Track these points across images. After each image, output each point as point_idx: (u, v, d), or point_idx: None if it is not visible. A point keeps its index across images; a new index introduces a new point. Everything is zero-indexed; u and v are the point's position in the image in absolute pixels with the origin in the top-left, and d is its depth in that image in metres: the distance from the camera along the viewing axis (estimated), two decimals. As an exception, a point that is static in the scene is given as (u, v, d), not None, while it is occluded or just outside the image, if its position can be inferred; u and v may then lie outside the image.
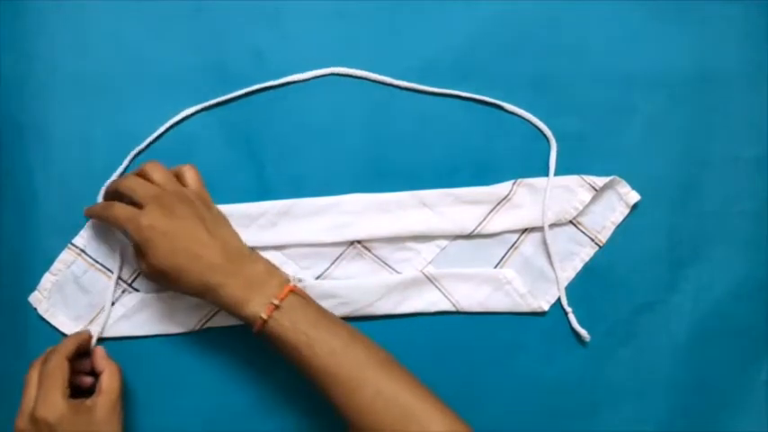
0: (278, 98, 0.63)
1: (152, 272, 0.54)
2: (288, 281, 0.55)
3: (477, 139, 0.64)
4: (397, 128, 0.63)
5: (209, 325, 0.61)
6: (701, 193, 0.65)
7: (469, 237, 0.63)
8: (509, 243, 0.63)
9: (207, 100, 0.62)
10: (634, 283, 0.64)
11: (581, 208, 0.63)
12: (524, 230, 0.64)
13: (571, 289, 0.63)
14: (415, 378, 0.54)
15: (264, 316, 0.52)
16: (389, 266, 0.63)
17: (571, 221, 0.64)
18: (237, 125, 0.62)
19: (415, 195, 0.62)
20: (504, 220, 0.63)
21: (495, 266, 0.63)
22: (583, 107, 0.64)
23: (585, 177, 0.63)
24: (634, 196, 0.63)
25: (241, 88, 0.62)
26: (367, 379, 0.52)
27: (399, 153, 0.63)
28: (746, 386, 0.64)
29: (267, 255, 0.61)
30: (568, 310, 0.63)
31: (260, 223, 0.61)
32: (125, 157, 0.61)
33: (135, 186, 0.55)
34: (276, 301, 0.53)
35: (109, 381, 0.55)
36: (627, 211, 0.64)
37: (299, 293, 0.55)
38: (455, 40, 0.64)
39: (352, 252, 0.63)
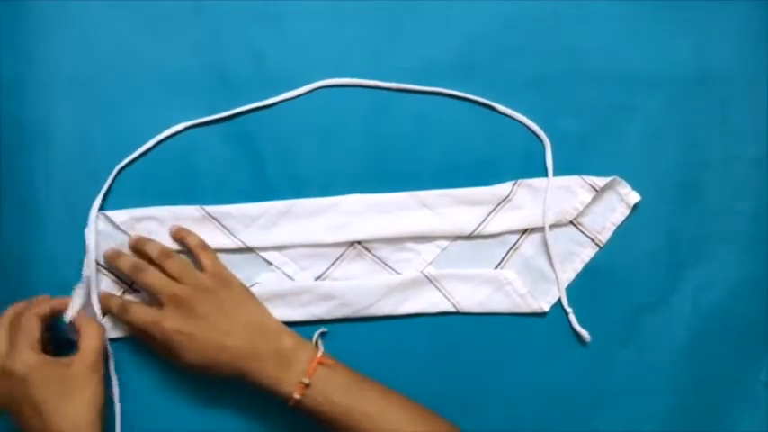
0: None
1: (183, 368, 0.56)
2: (315, 352, 0.56)
3: (476, 140, 0.64)
4: (396, 129, 0.63)
5: None
6: (701, 194, 0.65)
7: (470, 237, 0.63)
8: (509, 244, 0.63)
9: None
10: (634, 284, 0.64)
11: (581, 209, 0.63)
12: (525, 231, 0.64)
13: (571, 289, 0.64)
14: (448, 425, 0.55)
15: (297, 396, 0.54)
16: (389, 267, 0.63)
17: (571, 222, 0.64)
18: (237, 126, 0.62)
19: (416, 196, 0.62)
20: (504, 220, 0.63)
21: (496, 267, 0.63)
22: (583, 107, 0.64)
23: (586, 178, 0.63)
24: (634, 197, 0.63)
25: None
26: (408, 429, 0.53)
27: (399, 154, 0.63)
28: (746, 386, 0.64)
29: (267, 255, 0.62)
30: (569, 310, 0.63)
31: (260, 223, 0.61)
32: (126, 157, 0.61)
33: (154, 283, 0.56)
34: (306, 380, 0.54)
35: (88, 339, 0.55)
36: (627, 211, 0.64)
37: (327, 364, 0.55)
38: (455, 41, 0.64)
39: (352, 253, 0.63)
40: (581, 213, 0.63)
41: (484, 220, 0.63)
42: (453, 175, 0.63)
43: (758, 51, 0.66)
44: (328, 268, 0.62)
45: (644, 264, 0.64)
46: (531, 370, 0.63)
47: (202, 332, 0.55)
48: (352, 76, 0.63)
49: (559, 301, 0.63)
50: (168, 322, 0.55)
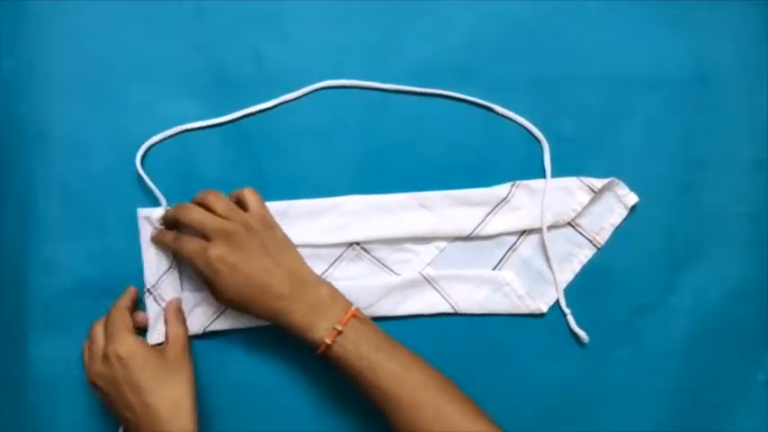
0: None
1: (221, 301, 0.58)
2: (350, 305, 0.57)
3: (474, 141, 0.64)
4: (394, 130, 0.63)
5: (211, 328, 0.61)
6: (699, 195, 0.65)
7: (468, 238, 0.63)
8: (508, 245, 0.64)
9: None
10: (633, 285, 0.64)
11: (579, 210, 0.63)
12: (523, 232, 0.64)
13: (570, 290, 0.64)
14: (471, 402, 0.55)
15: (328, 341, 0.54)
16: (388, 268, 0.63)
17: (569, 223, 0.64)
18: (236, 127, 0.63)
19: (414, 197, 0.62)
20: (502, 221, 0.63)
21: (494, 268, 0.63)
22: (581, 109, 0.65)
23: (584, 179, 0.63)
24: (632, 198, 0.63)
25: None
26: (427, 400, 0.54)
27: (397, 155, 0.63)
28: (745, 386, 0.64)
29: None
30: (567, 311, 0.63)
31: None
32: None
33: (201, 219, 0.57)
34: (339, 327, 0.55)
35: (175, 328, 0.58)
36: (625, 212, 0.64)
37: (360, 318, 0.56)
38: (454, 43, 0.64)
39: (351, 254, 0.63)
40: (579, 214, 0.63)
41: (482, 221, 0.63)
42: (452, 176, 0.63)
43: (757, 53, 0.66)
44: (327, 269, 0.62)
45: (642, 265, 0.64)
46: (529, 371, 0.63)
47: (245, 266, 0.56)
48: (351, 78, 0.63)
49: (558, 301, 0.63)
50: (213, 251, 0.56)
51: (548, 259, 0.63)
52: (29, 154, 0.61)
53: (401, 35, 0.64)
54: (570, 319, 0.63)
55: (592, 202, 0.63)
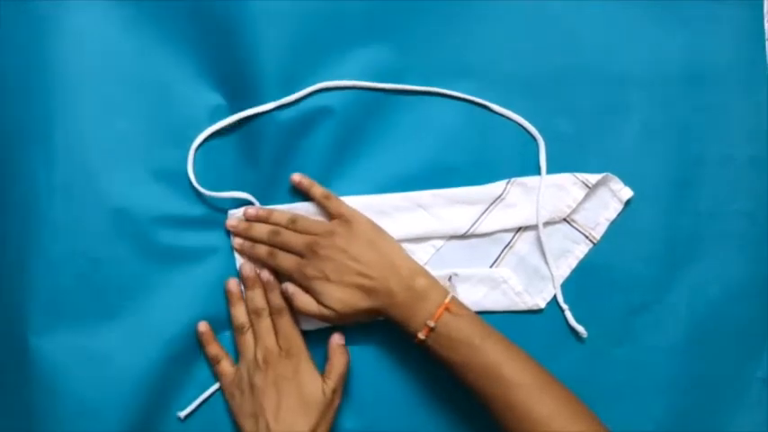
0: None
1: (329, 309, 0.58)
2: (445, 296, 0.57)
3: (470, 140, 0.64)
4: (390, 129, 0.64)
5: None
6: (695, 193, 0.65)
7: (464, 237, 0.63)
8: (504, 242, 0.64)
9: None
10: (630, 283, 0.64)
11: (574, 206, 0.63)
12: (519, 229, 0.64)
13: (567, 287, 0.64)
14: (568, 397, 0.55)
15: (422, 336, 0.55)
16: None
17: (565, 219, 0.64)
18: (235, 129, 0.63)
19: (409, 197, 0.63)
20: (498, 219, 0.63)
21: (491, 266, 0.64)
22: (577, 107, 0.65)
23: (578, 175, 0.63)
24: (627, 192, 0.63)
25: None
26: (517, 401, 0.53)
27: (392, 155, 0.64)
28: (743, 384, 0.64)
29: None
30: (564, 307, 0.63)
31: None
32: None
33: (289, 241, 0.60)
34: (431, 324, 0.55)
35: (338, 366, 0.60)
36: (620, 207, 0.64)
37: (454, 311, 0.56)
38: (451, 42, 0.64)
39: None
40: (574, 210, 0.63)
41: (478, 220, 0.63)
42: (448, 175, 0.64)
43: (752, 51, 0.66)
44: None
45: (639, 262, 0.64)
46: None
47: (336, 275, 0.57)
48: (349, 78, 0.63)
49: (555, 298, 0.63)
50: (308, 269, 0.58)
51: (544, 256, 0.63)
52: (31, 155, 0.61)
53: (398, 34, 0.64)
54: (568, 314, 0.63)
55: (587, 197, 0.63)
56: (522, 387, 0.54)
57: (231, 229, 0.62)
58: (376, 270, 0.57)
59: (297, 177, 0.62)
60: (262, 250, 0.61)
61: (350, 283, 0.57)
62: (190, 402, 0.62)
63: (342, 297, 0.57)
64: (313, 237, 0.59)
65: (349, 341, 0.62)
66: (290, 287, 0.59)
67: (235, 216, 0.63)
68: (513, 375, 0.54)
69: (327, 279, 0.57)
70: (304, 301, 0.58)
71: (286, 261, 0.59)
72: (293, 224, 0.60)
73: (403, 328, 0.57)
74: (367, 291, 0.57)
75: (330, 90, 0.63)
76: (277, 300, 0.61)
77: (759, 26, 0.66)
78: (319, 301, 0.58)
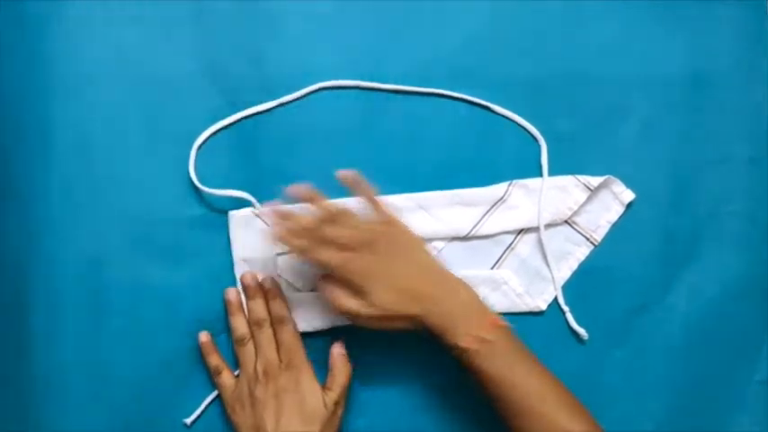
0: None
1: (370, 311, 0.56)
2: (489, 311, 0.56)
3: (472, 141, 0.64)
4: (392, 130, 0.64)
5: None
6: (694, 194, 0.65)
7: (465, 238, 0.63)
8: (505, 244, 0.64)
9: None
10: (630, 284, 0.64)
11: (576, 208, 0.63)
12: (520, 231, 0.64)
13: (568, 289, 0.64)
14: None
15: (464, 345, 0.54)
16: (388, 270, 0.63)
17: (566, 221, 0.64)
18: (235, 128, 0.63)
19: (411, 198, 0.63)
20: (499, 221, 0.63)
21: (492, 267, 0.64)
22: (578, 108, 0.65)
23: (580, 177, 0.63)
24: (629, 195, 0.64)
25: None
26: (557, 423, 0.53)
27: (395, 155, 0.64)
28: (742, 385, 0.64)
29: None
30: (565, 308, 0.63)
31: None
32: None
33: (332, 234, 0.57)
34: (479, 334, 0.54)
35: (340, 377, 0.59)
36: (622, 209, 0.64)
37: (499, 326, 0.55)
38: (452, 43, 0.64)
39: (351, 256, 0.63)
40: (576, 212, 0.63)
41: (479, 221, 0.63)
42: (450, 176, 0.64)
43: (751, 52, 0.66)
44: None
45: (639, 264, 0.64)
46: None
47: (388, 276, 0.56)
48: (349, 78, 0.63)
49: (556, 299, 0.63)
50: (357, 265, 0.56)
51: (545, 257, 0.63)
52: (30, 156, 0.61)
53: (399, 35, 0.64)
54: (569, 316, 0.63)
55: (588, 199, 0.63)
56: (561, 410, 0.54)
57: (266, 216, 0.61)
58: (426, 276, 0.57)
59: (343, 173, 0.59)
60: (301, 240, 0.57)
61: (401, 287, 0.56)
62: (190, 402, 0.62)
63: (390, 299, 0.55)
64: (367, 233, 0.57)
65: (351, 348, 0.62)
66: (329, 281, 0.57)
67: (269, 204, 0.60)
68: (555, 405, 0.54)
69: (378, 279, 0.56)
70: (343, 296, 0.56)
71: (331, 254, 0.56)
72: (343, 216, 0.58)
73: (441, 339, 0.55)
74: (416, 296, 0.56)
75: (330, 89, 0.63)
76: (279, 309, 0.60)
77: (759, 27, 0.66)
78: (363, 299, 0.56)
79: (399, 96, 0.64)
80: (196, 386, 0.62)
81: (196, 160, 0.62)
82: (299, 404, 0.57)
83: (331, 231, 0.57)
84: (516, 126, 0.64)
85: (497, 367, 0.54)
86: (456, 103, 0.64)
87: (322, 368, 0.60)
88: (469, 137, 0.64)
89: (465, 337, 0.54)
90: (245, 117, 0.62)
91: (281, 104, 0.62)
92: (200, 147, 0.62)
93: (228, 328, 0.62)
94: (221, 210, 0.62)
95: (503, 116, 0.64)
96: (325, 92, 0.63)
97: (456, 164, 0.64)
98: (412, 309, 0.55)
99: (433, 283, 0.57)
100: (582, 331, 0.63)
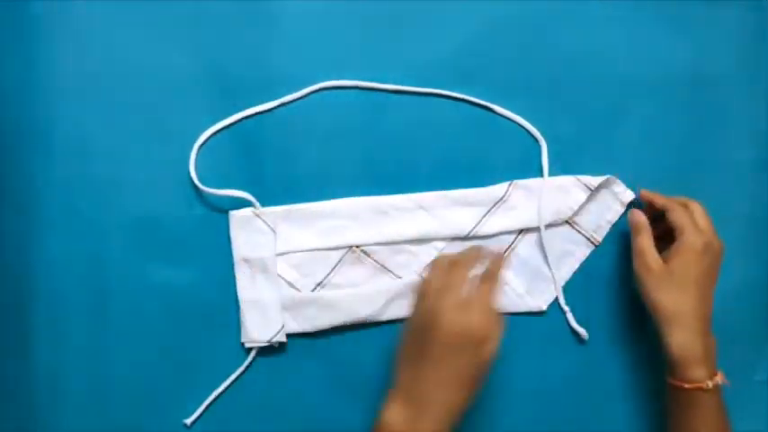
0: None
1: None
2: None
3: (472, 141, 0.64)
4: (393, 130, 0.64)
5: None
6: (696, 196, 0.64)
7: (466, 238, 0.63)
8: (506, 244, 0.64)
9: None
10: (630, 284, 0.63)
11: (576, 208, 0.63)
12: (520, 231, 0.64)
13: (569, 289, 0.64)
14: None
15: (710, 384, 0.55)
16: (389, 270, 0.63)
17: (567, 221, 0.64)
18: (236, 129, 0.63)
19: (412, 198, 0.63)
20: (499, 221, 0.63)
21: (493, 267, 0.64)
22: (579, 110, 0.65)
23: (580, 177, 0.63)
24: (629, 195, 0.64)
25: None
26: None
27: (396, 156, 0.63)
28: (743, 386, 0.64)
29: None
30: (566, 309, 0.63)
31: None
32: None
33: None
34: (720, 381, 0.56)
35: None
36: (622, 209, 0.64)
37: (719, 386, 0.56)
38: (453, 44, 0.64)
39: (351, 257, 0.63)
40: (576, 213, 0.63)
41: (480, 222, 0.63)
42: (450, 177, 0.64)
43: (754, 54, 0.66)
44: (329, 274, 0.63)
45: (640, 264, 0.64)
46: (530, 369, 0.63)
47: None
48: (350, 78, 0.63)
49: (557, 299, 0.63)
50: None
51: (546, 258, 0.63)
52: (30, 157, 0.61)
53: (400, 36, 0.64)
54: (569, 316, 0.63)
55: (589, 200, 0.63)
56: None
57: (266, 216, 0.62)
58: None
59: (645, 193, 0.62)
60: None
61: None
62: (189, 402, 0.62)
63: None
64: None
65: (352, 348, 0.61)
66: None
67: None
68: None
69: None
70: None
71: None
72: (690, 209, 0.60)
73: (682, 366, 0.56)
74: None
75: (331, 89, 0.63)
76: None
77: (760, 28, 0.66)
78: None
79: (400, 97, 0.63)
80: (197, 386, 0.62)
81: (196, 160, 0.62)
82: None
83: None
84: (517, 126, 0.64)
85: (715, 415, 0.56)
86: (457, 103, 0.64)
87: (325, 368, 0.60)
88: (470, 137, 0.64)
89: (704, 376, 0.56)
90: (246, 117, 0.62)
91: (282, 104, 0.62)
92: (200, 147, 0.62)
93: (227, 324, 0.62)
94: (221, 210, 0.62)
95: (504, 117, 0.64)
96: (325, 92, 0.63)
97: (456, 164, 0.64)
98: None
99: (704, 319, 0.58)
100: (582, 331, 0.63)
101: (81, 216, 0.61)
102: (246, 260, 0.62)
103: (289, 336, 0.62)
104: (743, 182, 0.66)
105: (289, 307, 0.62)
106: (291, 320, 0.62)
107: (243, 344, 0.62)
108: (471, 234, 0.63)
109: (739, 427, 0.63)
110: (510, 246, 0.64)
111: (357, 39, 0.63)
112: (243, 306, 0.62)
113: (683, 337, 0.56)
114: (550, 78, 0.65)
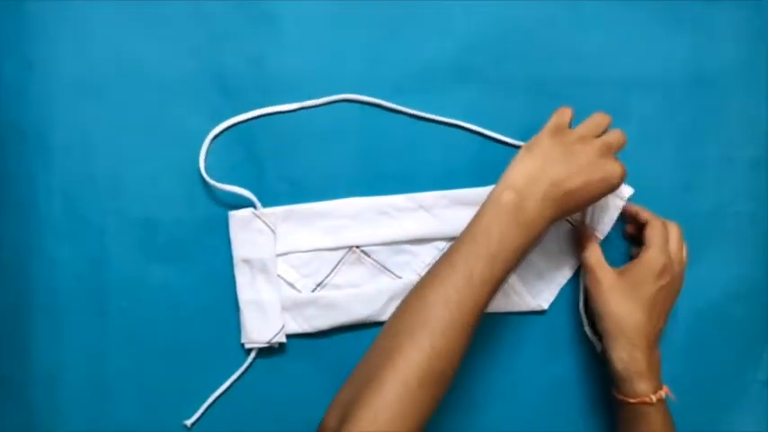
0: (277, 104, 0.63)
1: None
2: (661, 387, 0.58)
3: (472, 142, 0.64)
4: (393, 130, 0.64)
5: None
6: (696, 195, 0.65)
7: (467, 238, 0.63)
8: (506, 244, 0.64)
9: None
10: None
11: (576, 206, 0.63)
12: (521, 231, 0.64)
13: (569, 289, 0.64)
14: None
15: (654, 399, 0.56)
16: (389, 271, 0.63)
17: (567, 219, 0.64)
18: (236, 130, 0.63)
19: (412, 198, 0.63)
20: (500, 220, 0.63)
21: (493, 267, 0.63)
22: (579, 109, 0.64)
23: (580, 176, 0.63)
24: (628, 190, 0.63)
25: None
26: None
27: (396, 156, 0.64)
28: (743, 386, 0.64)
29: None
30: (584, 318, 0.63)
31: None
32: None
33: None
34: (665, 394, 0.57)
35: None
36: (622, 204, 0.63)
37: (664, 400, 0.58)
38: (453, 46, 0.64)
39: (352, 257, 0.63)
40: (576, 211, 0.63)
41: (480, 221, 0.63)
42: (451, 177, 0.64)
43: (754, 53, 0.66)
44: (329, 274, 0.63)
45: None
46: (531, 368, 0.63)
47: None
48: (350, 80, 0.63)
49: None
50: None
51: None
52: (30, 157, 0.61)
53: (400, 37, 0.64)
54: (586, 325, 0.63)
55: (589, 199, 0.63)
56: None
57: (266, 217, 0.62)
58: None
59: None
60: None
61: None
62: (189, 402, 0.62)
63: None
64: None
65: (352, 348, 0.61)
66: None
67: None
68: None
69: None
70: None
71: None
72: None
73: (623, 380, 0.57)
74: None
75: (336, 84, 0.63)
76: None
77: (760, 28, 0.66)
78: None
79: (401, 97, 0.63)
80: (197, 387, 0.62)
81: (197, 161, 0.62)
82: None
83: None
84: (517, 126, 0.64)
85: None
86: (457, 103, 0.64)
87: (325, 369, 0.60)
88: (470, 137, 0.64)
89: (646, 391, 0.57)
90: (248, 119, 0.63)
91: (299, 108, 0.63)
92: (204, 146, 0.62)
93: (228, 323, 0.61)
94: (222, 210, 0.63)
95: (512, 146, 0.64)
96: (325, 92, 0.63)
97: (457, 165, 0.64)
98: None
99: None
100: (595, 340, 0.63)
101: (81, 216, 0.61)
102: (246, 261, 0.62)
103: (289, 336, 0.62)
104: (742, 180, 0.66)
105: (289, 307, 0.62)
106: (291, 321, 0.62)
107: (243, 344, 0.62)
108: (472, 233, 0.63)
109: (739, 427, 0.63)
110: (510, 245, 0.64)
111: (357, 38, 0.63)
112: (243, 306, 0.62)
113: (626, 353, 0.57)
114: (550, 79, 0.65)
